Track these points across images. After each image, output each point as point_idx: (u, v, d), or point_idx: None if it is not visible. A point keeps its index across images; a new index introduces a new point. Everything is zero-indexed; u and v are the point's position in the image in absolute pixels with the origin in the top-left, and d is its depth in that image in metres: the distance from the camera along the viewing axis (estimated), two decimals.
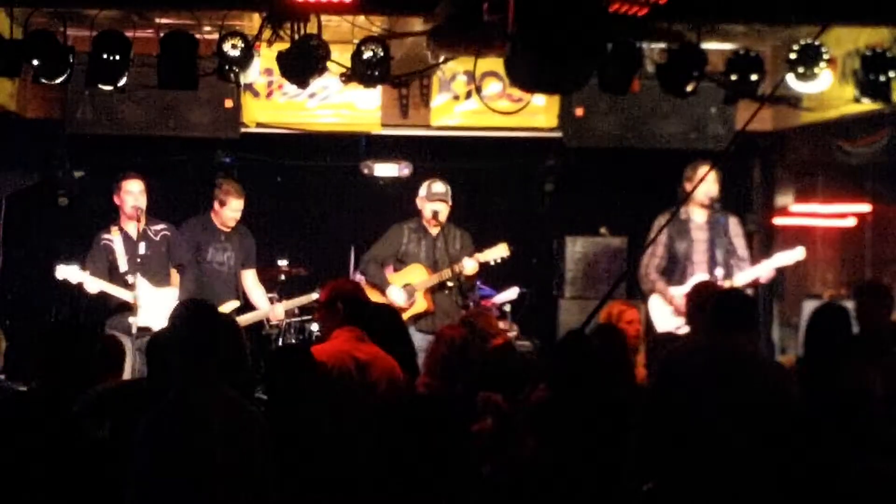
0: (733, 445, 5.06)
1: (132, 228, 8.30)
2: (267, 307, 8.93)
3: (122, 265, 8.18)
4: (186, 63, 7.13)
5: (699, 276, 8.28)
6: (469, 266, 8.47)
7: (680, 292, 8.01)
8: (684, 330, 7.61)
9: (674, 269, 8.38)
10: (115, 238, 8.26)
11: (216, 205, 8.77)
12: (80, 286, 8.07)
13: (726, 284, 8.03)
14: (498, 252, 8.58)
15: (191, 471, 4.18)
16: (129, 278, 8.02)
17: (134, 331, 7.76)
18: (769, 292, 9.55)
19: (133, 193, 8.25)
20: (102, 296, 8.11)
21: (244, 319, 8.74)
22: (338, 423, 5.40)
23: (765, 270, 8.34)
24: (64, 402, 4.64)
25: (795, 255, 8.26)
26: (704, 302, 6.75)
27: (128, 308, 7.95)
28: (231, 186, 8.79)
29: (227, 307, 8.52)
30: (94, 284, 8.04)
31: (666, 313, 8.22)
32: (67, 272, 8.02)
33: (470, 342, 6.50)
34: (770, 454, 5.06)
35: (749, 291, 8.17)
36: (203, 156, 9.62)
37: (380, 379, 5.59)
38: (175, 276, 8.48)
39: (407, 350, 6.27)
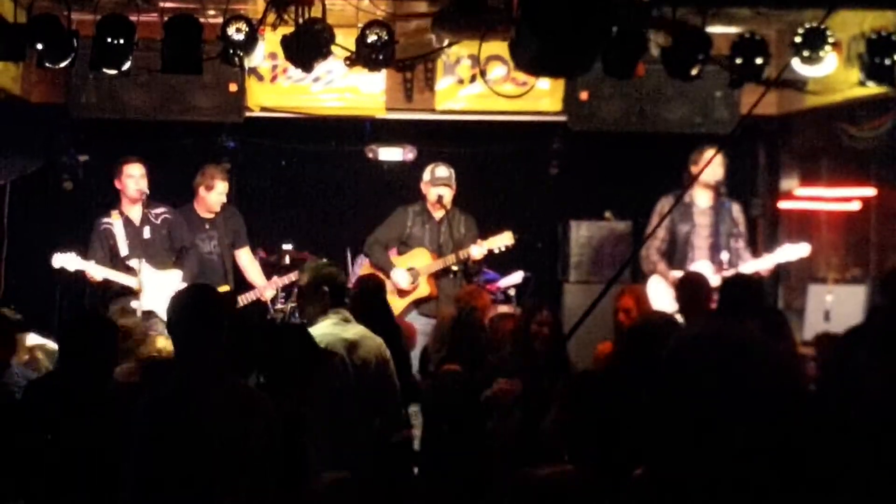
0: (740, 432, 5.06)
1: (135, 213, 8.31)
2: (264, 283, 8.92)
3: (123, 249, 8.19)
4: (190, 47, 7.10)
5: (700, 261, 8.27)
6: (474, 253, 8.47)
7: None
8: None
9: (675, 252, 8.39)
10: (115, 222, 8.27)
11: (202, 191, 8.76)
12: (79, 273, 8.06)
13: (730, 271, 8.03)
14: (502, 240, 8.57)
15: (188, 455, 4.13)
16: (132, 262, 8.04)
17: (139, 315, 7.78)
18: (774, 277, 9.53)
19: (134, 177, 8.27)
20: (105, 281, 8.12)
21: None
22: (335, 406, 5.41)
23: (766, 264, 8.33)
24: (97, 380, 4.83)
25: (799, 250, 8.23)
26: (696, 292, 6.85)
27: (131, 292, 7.97)
28: (215, 170, 8.81)
29: None
30: (97, 272, 8.05)
31: (666, 296, 8.19)
32: (64, 260, 8.00)
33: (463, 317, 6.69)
34: (778, 440, 5.06)
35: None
36: (207, 140, 9.61)
37: (368, 358, 5.60)
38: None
39: (390, 329, 6.26)
